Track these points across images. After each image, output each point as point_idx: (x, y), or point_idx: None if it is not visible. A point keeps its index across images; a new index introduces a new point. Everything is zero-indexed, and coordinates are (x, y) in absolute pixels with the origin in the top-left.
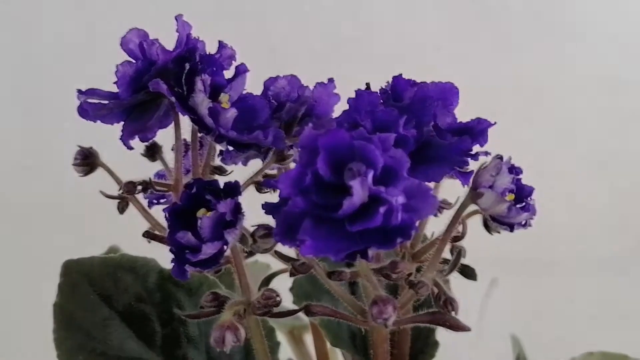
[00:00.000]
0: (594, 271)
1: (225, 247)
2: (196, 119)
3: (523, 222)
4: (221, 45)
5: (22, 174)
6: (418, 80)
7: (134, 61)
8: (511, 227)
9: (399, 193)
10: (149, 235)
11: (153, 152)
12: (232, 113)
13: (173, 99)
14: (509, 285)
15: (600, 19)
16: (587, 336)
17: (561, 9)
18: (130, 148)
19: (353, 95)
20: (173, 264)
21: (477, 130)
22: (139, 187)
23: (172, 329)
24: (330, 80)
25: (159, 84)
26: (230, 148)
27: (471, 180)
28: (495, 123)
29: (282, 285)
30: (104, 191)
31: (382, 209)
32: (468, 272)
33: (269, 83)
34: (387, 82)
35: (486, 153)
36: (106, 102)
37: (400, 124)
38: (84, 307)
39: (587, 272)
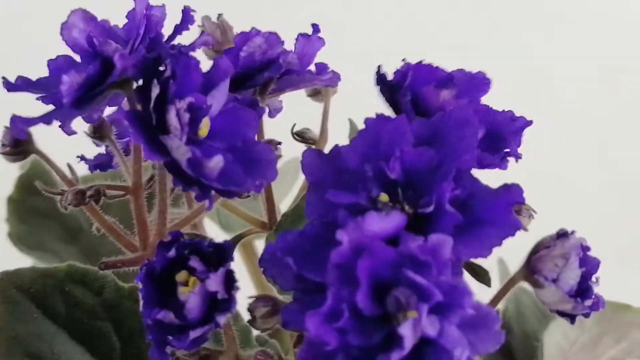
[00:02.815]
0: None
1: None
2: (171, 164)
3: (586, 312)
4: (184, 21)
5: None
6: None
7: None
8: (572, 319)
9: (459, 337)
10: (106, 266)
11: (102, 133)
12: (217, 162)
13: (140, 137)
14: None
15: (604, 7)
16: None
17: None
18: (72, 133)
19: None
20: (151, 345)
21: (510, 130)
22: (89, 196)
23: (133, 343)
24: (315, 27)
25: (121, 118)
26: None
27: (527, 257)
28: (532, 122)
29: None
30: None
31: None
32: (479, 273)
33: (242, 41)
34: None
35: (517, 156)
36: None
37: (445, 191)
38: (27, 328)
39: None
